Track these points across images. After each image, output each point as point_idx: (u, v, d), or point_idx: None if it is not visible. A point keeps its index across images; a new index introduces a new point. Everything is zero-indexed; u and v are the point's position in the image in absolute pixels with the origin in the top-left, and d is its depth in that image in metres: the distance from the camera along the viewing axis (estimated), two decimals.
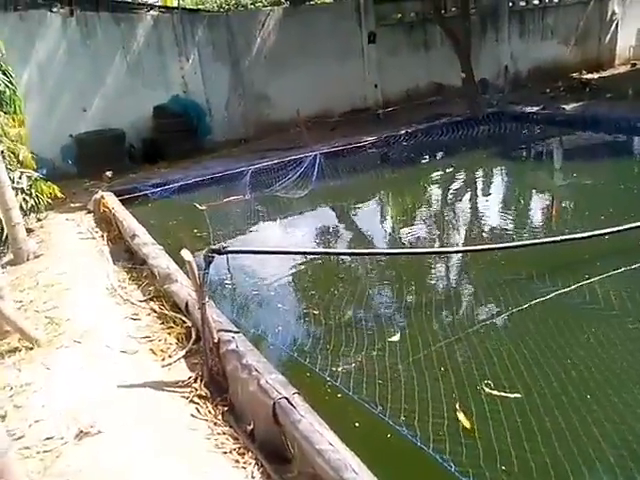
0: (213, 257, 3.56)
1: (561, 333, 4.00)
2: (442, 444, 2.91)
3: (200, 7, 16.01)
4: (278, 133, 12.50)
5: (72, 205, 9.06)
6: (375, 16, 14.17)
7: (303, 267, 6.11)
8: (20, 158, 6.93)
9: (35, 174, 7.17)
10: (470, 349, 3.98)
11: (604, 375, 3.55)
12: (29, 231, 7.29)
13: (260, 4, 17.22)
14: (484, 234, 6.67)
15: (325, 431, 2.57)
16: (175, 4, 13.31)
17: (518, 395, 3.37)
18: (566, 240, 4.92)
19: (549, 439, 3.01)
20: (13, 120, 7.22)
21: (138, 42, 11.69)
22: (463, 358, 3.89)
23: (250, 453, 2.96)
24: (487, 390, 3.46)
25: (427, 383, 3.56)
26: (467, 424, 3.23)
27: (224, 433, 3.17)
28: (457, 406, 3.36)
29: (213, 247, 3.56)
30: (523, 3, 16.17)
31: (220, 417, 3.32)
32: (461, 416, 3.29)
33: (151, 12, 11.73)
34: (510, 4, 15.84)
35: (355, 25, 14.03)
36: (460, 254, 5.94)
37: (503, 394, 3.39)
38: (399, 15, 14.88)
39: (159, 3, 13.89)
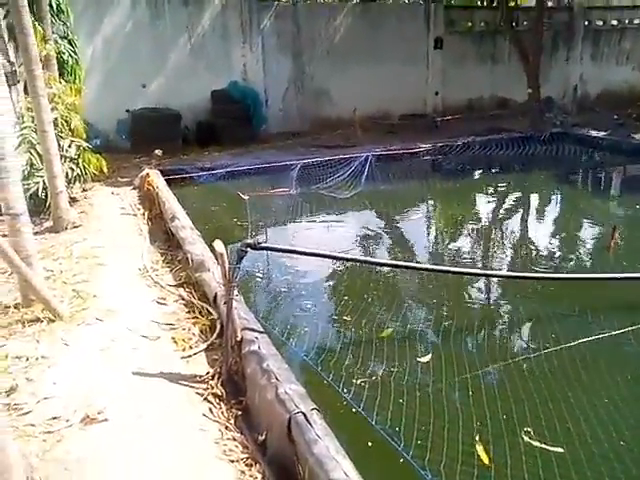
0: (246, 252, 3.38)
1: (613, 380, 3.63)
2: None
3: None
4: (333, 130, 12.28)
5: (119, 179, 9.10)
6: (444, 22, 13.84)
7: (340, 270, 5.89)
8: (72, 127, 6.93)
9: (84, 144, 7.16)
10: (510, 384, 3.63)
11: None
12: (73, 200, 7.30)
13: None
14: (534, 260, 6.27)
15: (341, 459, 2.34)
16: None
17: (560, 450, 3.01)
18: (626, 279, 4.54)
19: None
20: (71, 89, 7.24)
21: (203, 25, 11.71)
22: (501, 395, 3.53)
23: (258, 466, 2.76)
24: (526, 439, 3.12)
25: (458, 420, 3.24)
26: (485, 459, 2.96)
27: (234, 439, 2.98)
28: (477, 438, 3.08)
29: (247, 242, 3.37)
30: (600, 23, 15.52)
31: (233, 421, 3.12)
32: (480, 448, 3.02)
33: None
34: (586, 23, 15.23)
35: (423, 29, 13.71)
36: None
37: (544, 446, 3.04)
38: (469, 23, 14.50)
39: None
